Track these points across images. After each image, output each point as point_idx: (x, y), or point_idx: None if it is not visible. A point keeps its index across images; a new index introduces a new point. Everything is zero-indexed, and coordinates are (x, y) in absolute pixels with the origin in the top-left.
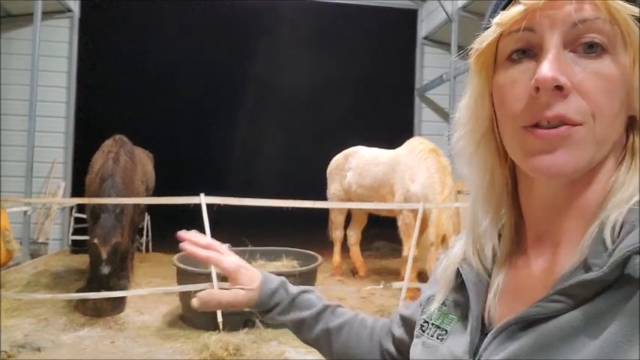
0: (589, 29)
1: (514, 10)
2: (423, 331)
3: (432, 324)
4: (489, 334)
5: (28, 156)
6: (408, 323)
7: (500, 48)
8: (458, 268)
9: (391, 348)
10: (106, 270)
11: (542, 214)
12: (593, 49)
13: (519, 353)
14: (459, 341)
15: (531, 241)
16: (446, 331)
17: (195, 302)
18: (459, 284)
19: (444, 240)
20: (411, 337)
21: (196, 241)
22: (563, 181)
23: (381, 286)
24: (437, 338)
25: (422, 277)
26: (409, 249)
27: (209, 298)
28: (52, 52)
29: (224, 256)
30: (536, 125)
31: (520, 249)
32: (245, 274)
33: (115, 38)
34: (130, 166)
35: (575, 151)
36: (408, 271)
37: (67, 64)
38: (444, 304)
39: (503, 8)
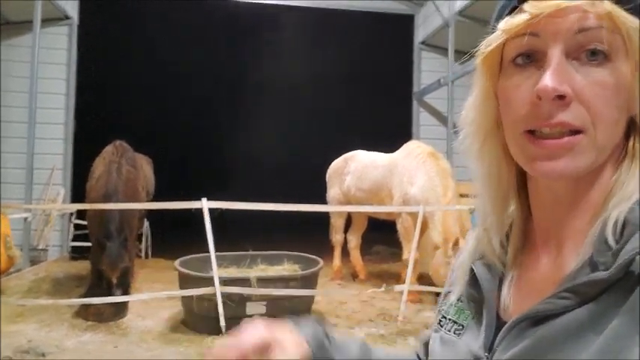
0: (592, 38)
1: (519, 19)
2: (441, 327)
3: (449, 319)
4: (502, 330)
5: (27, 163)
6: None
7: (506, 52)
8: (471, 266)
9: None
10: (118, 293)
11: (548, 212)
12: (595, 57)
13: (531, 349)
14: (475, 337)
15: (539, 238)
16: (462, 326)
17: None
18: (473, 281)
19: (456, 243)
20: None
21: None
22: (565, 181)
23: (382, 289)
24: (454, 333)
25: (422, 280)
26: (409, 252)
27: None
28: (51, 59)
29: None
30: (539, 132)
31: (529, 246)
32: (284, 339)
33: (114, 44)
34: (132, 175)
35: (577, 158)
36: (409, 274)
37: (66, 70)
38: (459, 299)
39: (509, 14)
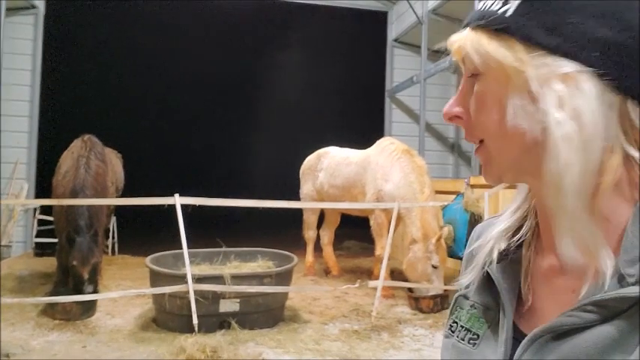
0: (469, 62)
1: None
2: (453, 332)
3: (462, 326)
4: (522, 344)
5: None
6: None
7: None
8: (487, 270)
9: None
10: (89, 289)
11: (542, 216)
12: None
13: None
14: (493, 349)
15: (546, 242)
16: (477, 335)
17: None
18: (489, 287)
19: (439, 239)
20: None
21: None
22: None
23: (357, 285)
24: (468, 342)
25: (395, 275)
26: (382, 248)
27: None
28: (15, 49)
29: None
30: None
31: (545, 250)
32: None
33: (81, 35)
34: (101, 170)
35: (489, 166)
36: (383, 270)
37: (32, 61)
38: (473, 306)
39: None
